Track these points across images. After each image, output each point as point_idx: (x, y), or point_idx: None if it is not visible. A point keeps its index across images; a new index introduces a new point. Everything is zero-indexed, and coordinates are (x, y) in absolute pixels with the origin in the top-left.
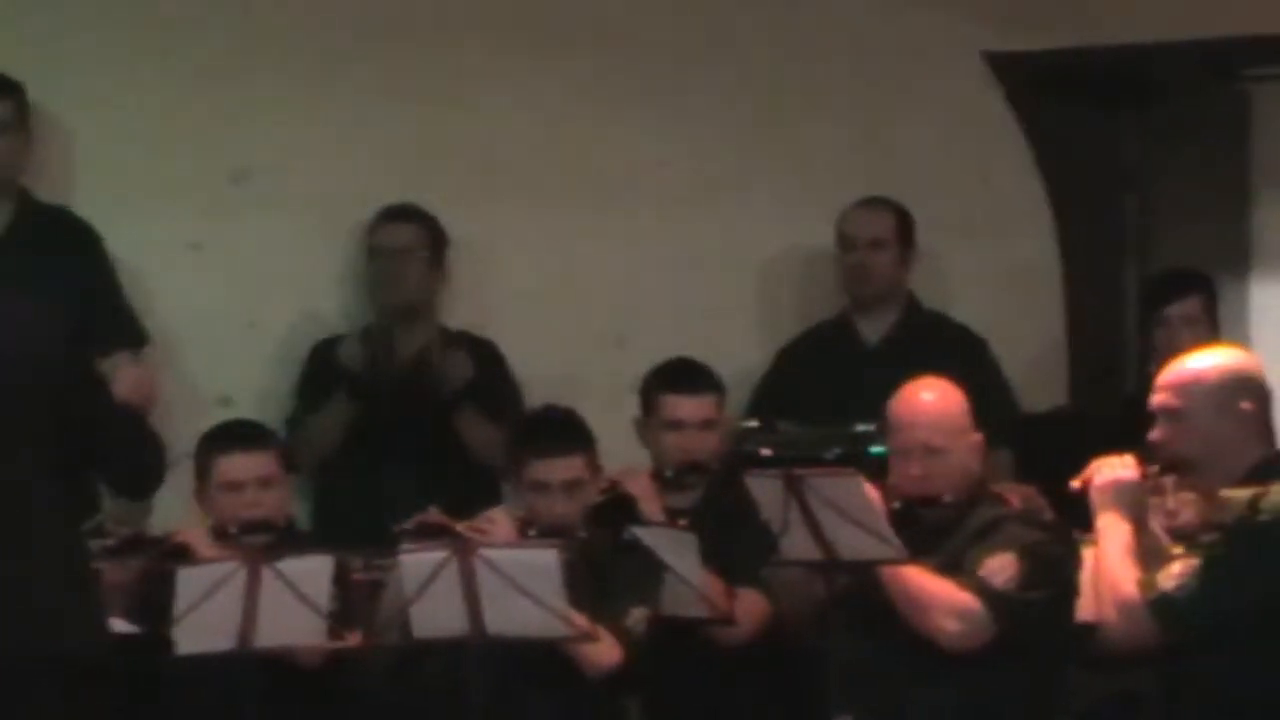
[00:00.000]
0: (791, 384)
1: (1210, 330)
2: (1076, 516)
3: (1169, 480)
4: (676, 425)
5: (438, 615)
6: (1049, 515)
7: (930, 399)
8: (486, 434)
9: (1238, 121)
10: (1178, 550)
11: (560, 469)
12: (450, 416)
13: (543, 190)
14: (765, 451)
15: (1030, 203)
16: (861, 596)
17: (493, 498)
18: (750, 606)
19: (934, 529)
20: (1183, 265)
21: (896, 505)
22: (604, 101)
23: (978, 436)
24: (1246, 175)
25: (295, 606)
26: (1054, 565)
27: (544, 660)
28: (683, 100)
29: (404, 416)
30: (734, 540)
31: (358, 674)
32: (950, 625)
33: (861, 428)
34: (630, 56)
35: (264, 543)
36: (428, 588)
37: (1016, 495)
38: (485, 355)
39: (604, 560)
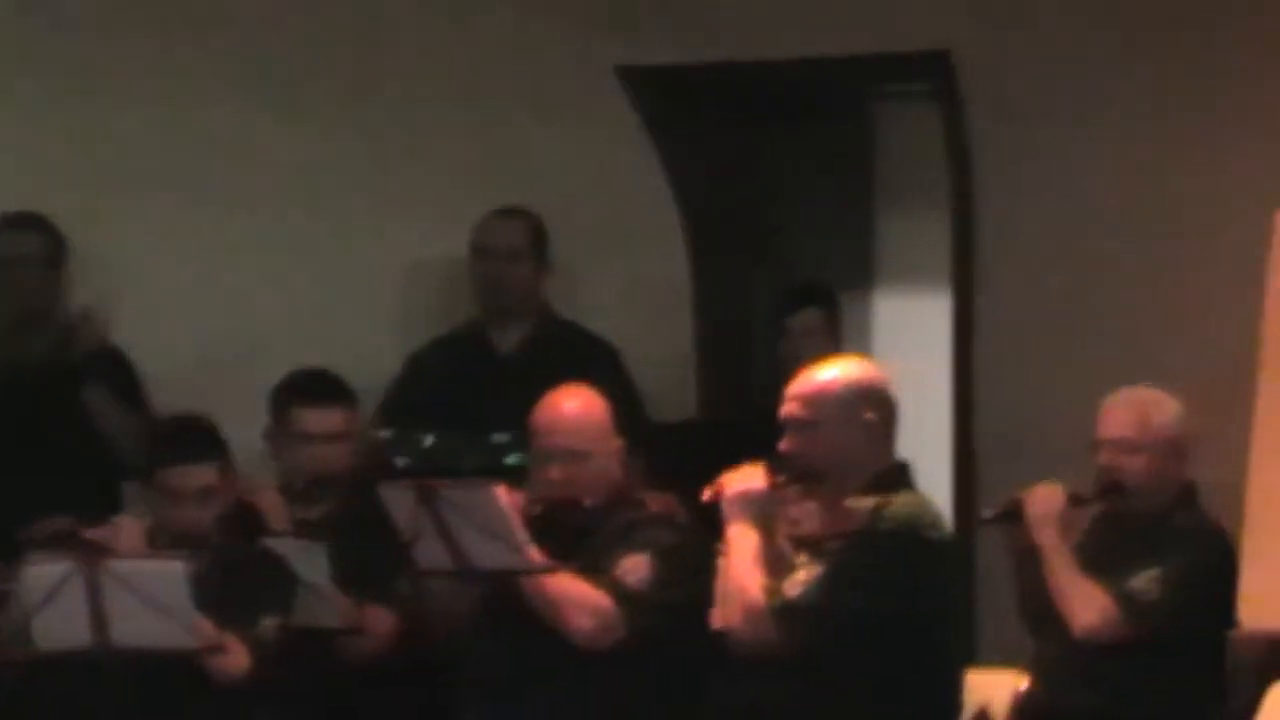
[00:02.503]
0: (423, 392)
1: (833, 342)
2: (711, 528)
3: (794, 489)
4: (306, 438)
5: (62, 627)
6: (685, 519)
7: (572, 405)
8: (117, 419)
9: (865, 138)
10: (803, 559)
11: (193, 476)
12: (81, 390)
13: (174, 196)
14: (402, 462)
15: (662, 216)
16: (506, 606)
17: (111, 501)
18: (378, 621)
19: (574, 532)
20: (808, 278)
21: (537, 510)
22: (237, 106)
23: (618, 442)
24: (870, 191)
25: None
26: (689, 567)
27: (173, 670)
28: (319, 106)
29: (39, 413)
30: (366, 552)
31: None
32: (584, 624)
33: (498, 438)
34: (268, 61)
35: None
36: (52, 599)
37: (656, 501)
38: (114, 361)
39: (234, 569)
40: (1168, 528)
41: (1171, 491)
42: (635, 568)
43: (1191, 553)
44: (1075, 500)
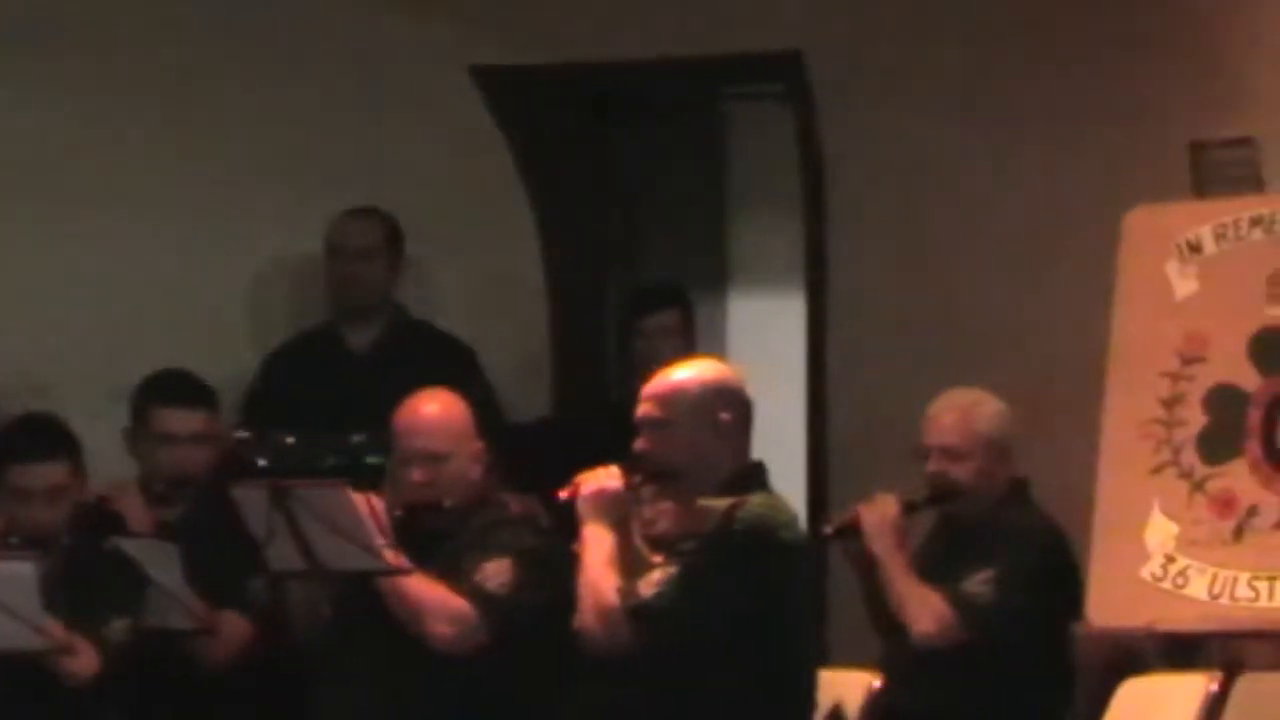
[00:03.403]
0: (280, 392)
1: (687, 343)
2: (569, 528)
3: (649, 490)
4: (167, 439)
5: None
6: (547, 522)
7: (433, 408)
8: None
9: (717, 139)
10: (658, 559)
11: (42, 475)
12: None
13: (20, 192)
14: (261, 462)
15: (515, 215)
16: (361, 609)
17: None
18: (231, 625)
19: (435, 534)
20: (662, 279)
21: (399, 513)
22: (96, 100)
23: (479, 444)
24: (724, 191)
25: None
26: (550, 570)
27: (22, 671)
28: (177, 103)
29: None
30: (220, 554)
31: None
32: (444, 630)
33: (357, 438)
34: (112, 55)
35: None
36: None
37: (517, 503)
38: None
39: (85, 569)
40: (999, 528)
41: (1000, 491)
42: (497, 572)
43: (1023, 550)
44: (909, 508)
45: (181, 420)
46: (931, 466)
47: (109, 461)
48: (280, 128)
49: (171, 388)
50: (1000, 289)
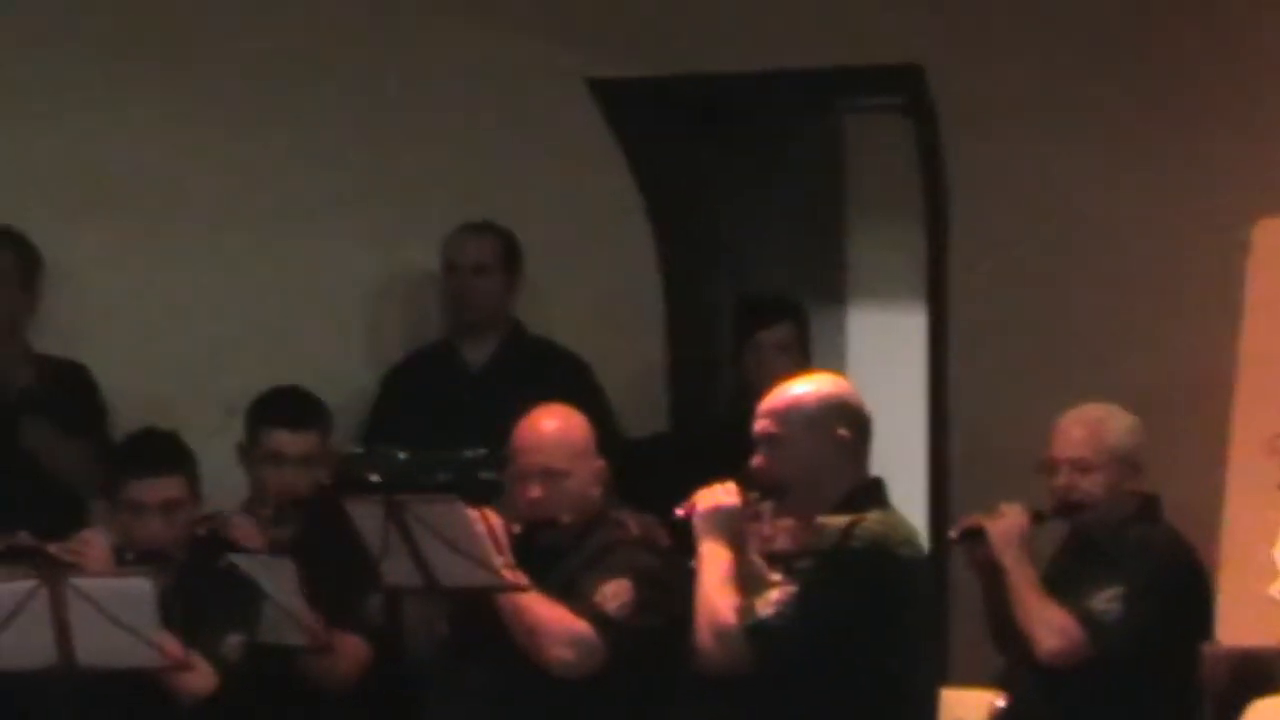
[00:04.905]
0: (397, 409)
1: (802, 357)
2: (686, 545)
3: (766, 506)
4: (277, 460)
5: (25, 646)
6: (666, 542)
7: (552, 425)
8: (62, 449)
9: (835, 152)
10: (777, 577)
11: (157, 489)
12: (14, 427)
13: (139, 210)
14: (373, 477)
15: (632, 230)
16: (477, 626)
17: (77, 519)
18: (349, 646)
19: (551, 553)
20: (778, 292)
21: (517, 530)
22: (201, 121)
23: (599, 462)
24: (842, 205)
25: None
26: (669, 591)
27: (139, 688)
28: (285, 120)
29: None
30: (336, 570)
31: None
32: (564, 654)
33: (470, 454)
34: (228, 74)
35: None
36: (15, 617)
37: (635, 522)
38: (72, 376)
39: (200, 585)
40: (1128, 543)
41: (1130, 506)
42: (616, 594)
43: (1153, 567)
44: (1037, 518)
45: (293, 442)
46: (1059, 480)
47: (225, 478)
48: (398, 143)
49: (284, 407)
50: (1124, 305)
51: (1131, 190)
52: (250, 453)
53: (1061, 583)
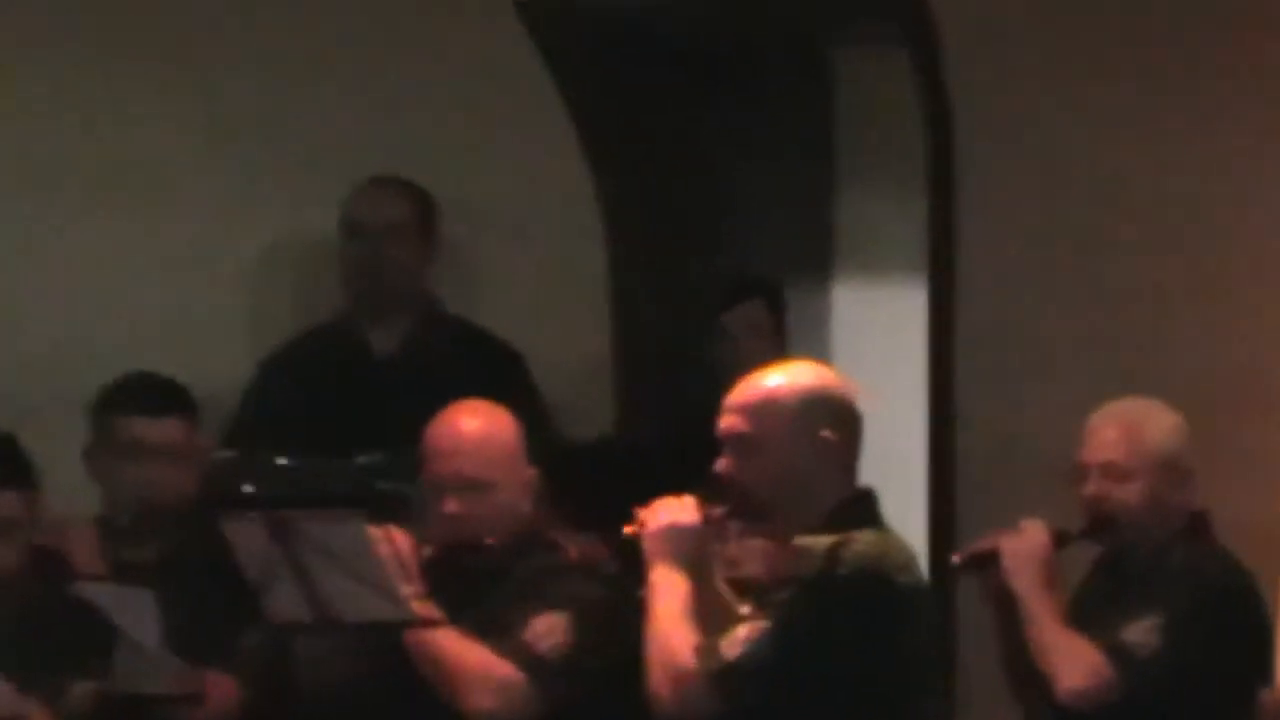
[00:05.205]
0: (281, 404)
1: (779, 343)
2: (635, 570)
3: (733, 524)
4: (135, 451)
5: None
6: (611, 568)
7: (475, 426)
8: None
9: (821, 95)
10: (746, 610)
11: None
12: None
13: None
14: (247, 488)
15: (575, 193)
16: (384, 667)
17: None
18: (219, 688)
19: (473, 581)
20: (745, 266)
21: (429, 552)
22: (50, 90)
23: (531, 472)
24: (830, 160)
25: None
26: (615, 627)
27: None
28: (160, 76)
29: None
30: (206, 602)
31: None
32: (486, 703)
33: (365, 459)
34: (111, 43)
35: None
36: None
37: (574, 544)
38: None
39: (40, 622)
40: (1170, 566)
41: (1175, 523)
42: (550, 631)
43: (1199, 594)
44: (1060, 539)
45: (152, 429)
46: (1090, 489)
47: (72, 490)
48: (285, 91)
49: (139, 392)
50: (1170, 281)
51: (1177, 145)
52: (100, 453)
53: (1090, 613)
